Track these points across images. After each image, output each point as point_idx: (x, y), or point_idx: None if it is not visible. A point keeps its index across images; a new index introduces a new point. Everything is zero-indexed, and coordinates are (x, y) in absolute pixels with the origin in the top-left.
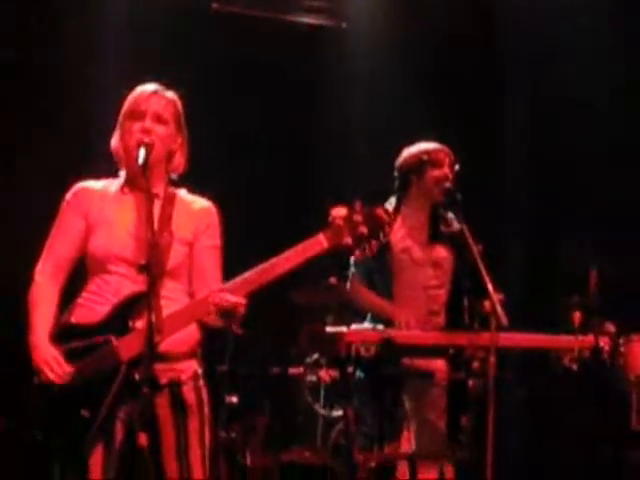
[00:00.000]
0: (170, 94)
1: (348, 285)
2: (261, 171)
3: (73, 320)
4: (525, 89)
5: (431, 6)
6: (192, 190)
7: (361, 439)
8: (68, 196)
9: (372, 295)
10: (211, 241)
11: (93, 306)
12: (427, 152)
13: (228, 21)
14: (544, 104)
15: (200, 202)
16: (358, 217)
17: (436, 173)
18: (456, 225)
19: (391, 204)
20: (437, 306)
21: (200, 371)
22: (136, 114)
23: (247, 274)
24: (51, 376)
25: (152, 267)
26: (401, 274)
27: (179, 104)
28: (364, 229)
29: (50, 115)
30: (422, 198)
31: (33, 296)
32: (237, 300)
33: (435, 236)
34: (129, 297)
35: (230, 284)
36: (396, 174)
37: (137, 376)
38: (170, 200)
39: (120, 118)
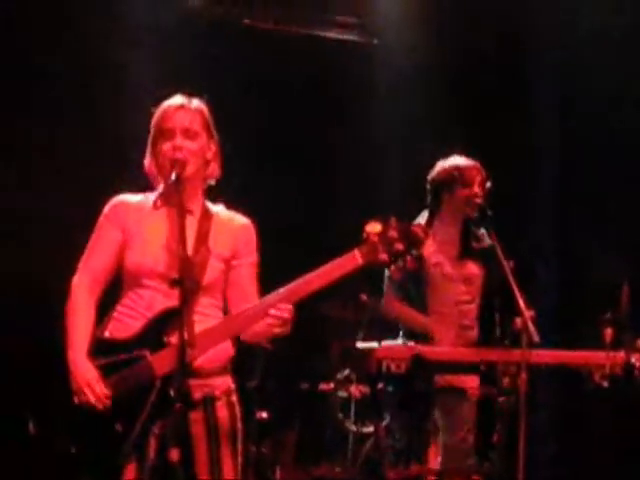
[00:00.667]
0: (196, 104)
1: (383, 299)
2: (291, 185)
3: (107, 335)
4: (554, 104)
5: (460, 22)
6: (229, 206)
7: (389, 453)
8: (106, 209)
9: (409, 309)
10: (249, 258)
11: (127, 320)
12: (458, 169)
13: (259, 36)
14: (574, 118)
15: (238, 219)
16: (394, 233)
17: (466, 192)
18: (487, 241)
19: (424, 218)
20: (468, 321)
21: (233, 386)
22: (165, 133)
23: (283, 289)
24: (92, 399)
25: (185, 282)
26: (433, 288)
27: (206, 112)
28: (400, 246)
29: (77, 122)
30: (454, 214)
31: (71, 309)
32: (291, 308)
33: (466, 252)
34: (163, 312)
35: (272, 298)
36: (428, 187)
37: (172, 391)
38: (207, 216)
39: (150, 138)
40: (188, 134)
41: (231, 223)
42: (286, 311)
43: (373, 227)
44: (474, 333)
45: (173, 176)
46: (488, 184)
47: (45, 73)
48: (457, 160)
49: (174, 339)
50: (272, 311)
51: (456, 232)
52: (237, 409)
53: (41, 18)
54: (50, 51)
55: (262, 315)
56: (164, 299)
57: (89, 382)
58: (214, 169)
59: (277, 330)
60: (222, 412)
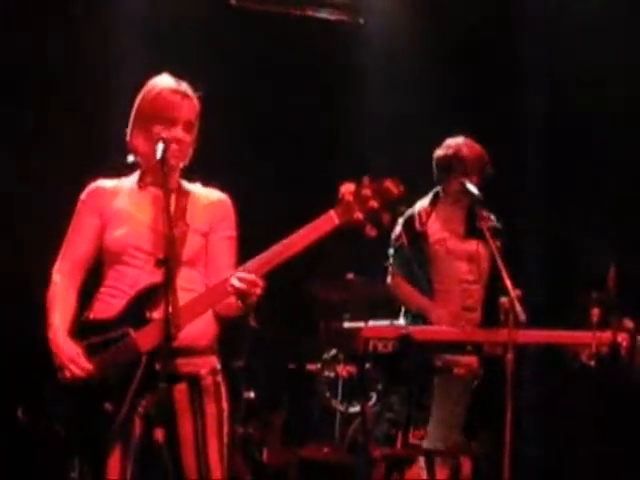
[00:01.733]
0: (191, 90)
1: (388, 277)
2: (279, 165)
3: (91, 315)
4: (545, 81)
5: (451, 3)
6: (206, 183)
7: (385, 426)
8: (83, 196)
9: (410, 289)
10: (227, 232)
11: (110, 300)
12: (457, 157)
13: (245, 16)
14: (564, 99)
15: (214, 194)
16: (367, 191)
17: (461, 181)
18: (494, 221)
19: (428, 197)
20: (472, 302)
21: (219, 366)
22: (168, 120)
23: (261, 255)
24: (77, 372)
25: (170, 261)
26: (436, 265)
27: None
28: (374, 203)
29: (65, 111)
30: (455, 194)
31: (51, 295)
32: (254, 278)
33: (471, 231)
34: (145, 288)
35: (245, 266)
36: (434, 165)
37: (158, 367)
38: (184, 193)
39: (141, 114)
40: (188, 126)
41: (207, 198)
42: (248, 282)
43: (347, 187)
44: (477, 315)
45: (158, 155)
46: (488, 170)
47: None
48: (460, 145)
49: (157, 314)
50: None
51: (461, 211)
52: (222, 389)
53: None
54: (37, 33)
55: (229, 290)
56: (148, 277)
57: (71, 357)
58: (190, 154)
59: (247, 303)
60: (208, 391)
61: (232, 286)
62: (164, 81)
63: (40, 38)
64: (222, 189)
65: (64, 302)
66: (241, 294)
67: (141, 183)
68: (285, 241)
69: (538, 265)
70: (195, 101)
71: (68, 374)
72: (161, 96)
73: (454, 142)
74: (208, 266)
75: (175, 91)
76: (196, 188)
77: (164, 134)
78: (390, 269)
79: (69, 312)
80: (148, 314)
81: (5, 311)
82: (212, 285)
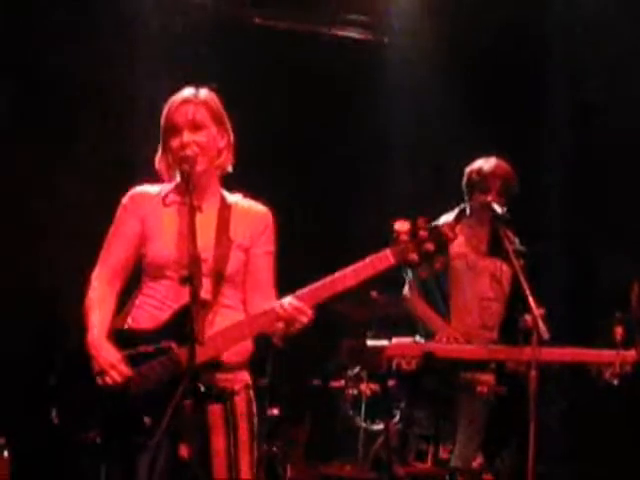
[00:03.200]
0: (203, 94)
1: (405, 291)
2: (303, 181)
3: (132, 324)
4: (568, 103)
5: (471, 19)
6: (247, 195)
7: (415, 442)
8: (125, 200)
9: (425, 307)
10: (266, 247)
11: (151, 310)
12: (479, 174)
13: (270, 34)
14: (587, 121)
15: (257, 207)
16: (424, 233)
17: (482, 198)
18: (517, 243)
19: (454, 212)
20: (491, 320)
21: (251, 382)
22: (172, 129)
23: (313, 286)
24: (117, 378)
25: (194, 279)
26: (456, 281)
27: (215, 101)
28: (430, 246)
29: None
30: (480, 212)
31: (90, 299)
32: (304, 307)
33: (495, 250)
34: (186, 305)
35: (297, 294)
36: (463, 182)
37: (202, 386)
38: (226, 206)
39: (161, 133)
40: (194, 127)
41: (250, 212)
42: (298, 309)
43: (402, 226)
44: (494, 334)
45: (178, 177)
46: (513, 190)
47: (59, 75)
48: (484, 163)
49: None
50: (284, 306)
51: (485, 229)
52: (254, 405)
53: (54, 18)
54: (62, 50)
55: (280, 317)
56: (181, 290)
57: (112, 363)
58: (227, 158)
59: (292, 329)
60: (241, 406)
61: (283, 310)
62: (176, 94)
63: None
64: (264, 202)
65: (103, 307)
66: (289, 321)
67: (169, 200)
68: (338, 274)
69: (561, 284)
70: (199, 102)
71: (108, 379)
72: (167, 109)
73: (482, 161)
74: (248, 281)
75: (176, 99)
76: (238, 200)
77: (179, 149)
78: (408, 281)
79: (108, 317)
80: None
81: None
82: (258, 312)
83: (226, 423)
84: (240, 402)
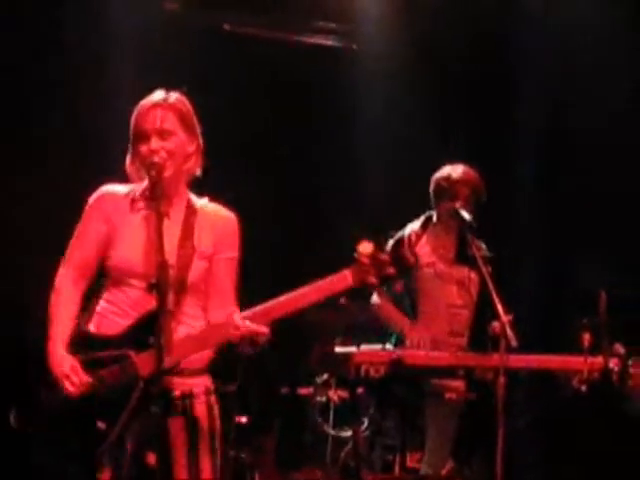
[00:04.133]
0: (173, 98)
1: (374, 296)
2: (271, 187)
3: (93, 330)
4: (539, 103)
5: (442, 26)
6: (213, 199)
7: (381, 452)
8: (92, 199)
9: (393, 311)
10: (229, 253)
11: (113, 317)
12: (448, 181)
13: (239, 42)
14: (559, 119)
15: (222, 212)
16: (385, 257)
17: (449, 206)
18: (484, 250)
19: (420, 220)
20: (459, 327)
21: (212, 387)
22: (141, 135)
23: (269, 303)
24: (70, 389)
25: (161, 286)
26: (424, 289)
27: (185, 104)
28: (391, 270)
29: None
30: (447, 220)
31: (54, 303)
32: (259, 328)
33: (462, 257)
34: (149, 313)
35: (251, 312)
36: (430, 190)
37: (154, 391)
38: (192, 211)
39: (130, 137)
40: (162, 134)
41: (215, 217)
42: (247, 329)
43: (365, 248)
44: (463, 340)
45: (146, 180)
46: (481, 198)
47: (33, 84)
48: (452, 170)
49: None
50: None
51: (452, 237)
52: (215, 409)
53: (31, 21)
54: (35, 57)
55: (233, 334)
56: (146, 298)
57: (65, 373)
58: (196, 163)
59: (249, 347)
60: (200, 410)
61: (237, 329)
62: (146, 98)
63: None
64: (230, 207)
65: (66, 313)
66: (245, 340)
67: (140, 204)
68: (295, 293)
69: (529, 291)
70: (168, 107)
71: (67, 386)
72: (137, 113)
73: (450, 168)
74: (208, 286)
75: (145, 104)
76: (204, 204)
77: (147, 155)
78: (376, 289)
79: (71, 323)
80: (151, 339)
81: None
82: (214, 324)
83: (186, 428)
84: (199, 406)
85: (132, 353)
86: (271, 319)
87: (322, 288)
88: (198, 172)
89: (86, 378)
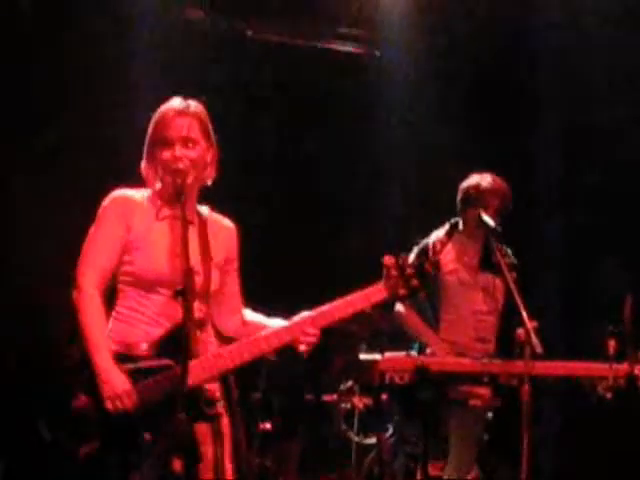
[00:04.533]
0: (194, 107)
1: (398, 306)
2: (290, 199)
3: (123, 339)
4: (559, 117)
5: (464, 32)
6: (213, 208)
7: (404, 460)
8: (109, 203)
9: (417, 320)
10: (236, 263)
11: (139, 325)
12: (477, 190)
13: (262, 48)
14: (577, 133)
15: (226, 223)
16: (410, 270)
17: (476, 213)
18: (511, 257)
19: (445, 228)
20: (486, 333)
21: (237, 393)
22: (164, 141)
23: (309, 314)
24: (129, 406)
25: (187, 293)
26: (448, 296)
27: (205, 114)
28: (416, 282)
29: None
30: (473, 227)
31: (87, 312)
32: (318, 333)
33: (487, 264)
34: (181, 323)
35: (306, 317)
36: (457, 197)
37: (202, 405)
38: (203, 221)
39: (147, 142)
40: (187, 143)
41: (222, 229)
42: (314, 336)
43: (390, 261)
44: (491, 346)
45: (158, 185)
46: (508, 208)
47: (47, 84)
48: (481, 180)
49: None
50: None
51: (477, 244)
52: (239, 414)
53: (44, 21)
54: (52, 58)
55: (295, 336)
56: (173, 306)
57: (128, 391)
58: (211, 172)
59: (301, 349)
60: (225, 416)
61: (305, 334)
62: (166, 105)
63: (58, 60)
64: (229, 216)
65: (102, 320)
66: (300, 342)
67: (162, 214)
68: (334, 304)
69: (555, 297)
70: (192, 116)
71: (119, 406)
72: (156, 120)
73: (478, 176)
74: (220, 298)
75: (169, 111)
76: (209, 213)
77: (171, 162)
78: None
79: (106, 331)
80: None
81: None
82: (259, 337)
83: (211, 433)
84: (223, 411)
85: (173, 363)
86: (321, 327)
87: (360, 300)
88: (210, 182)
89: (137, 400)
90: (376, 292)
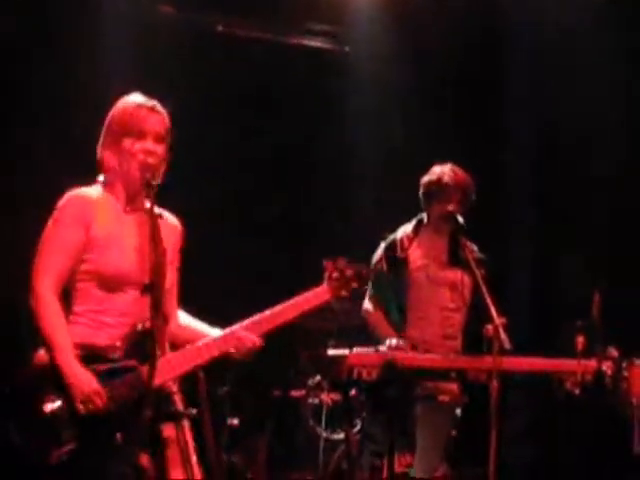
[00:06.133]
0: (159, 106)
1: (365, 301)
2: (258, 189)
3: (87, 341)
4: (530, 107)
5: (435, 29)
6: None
7: (368, 457)
8: (65, 204)
9: (380, 318)
10: (177, 262)
11: (102, 327)
12: (438, 184)
13: (233, 43)
14: (548, 123)
15: (172, 219)
16: (350, 272)
17: (441, 208)
18: (477, 252)
19: (411, 224)
20: (452, 330)
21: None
22: (137, 133)
23: (257, 317)
24: (101, 406)
25: (156, 287)
26: (416, 292)
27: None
28: (355, 284)
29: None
30: (438, 222)
31: (46, 314)
32: (253, 337)
33: (454, 259)
34: (151, 326)
35: (244, 324)
36: (420, 192)
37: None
38: (154, 215)
39: (111, 131)
40: (158, 138)
41: (170, 224)
42: (251, 341)
43: (331, 266)
44: (457, 343)
45: (141, 183)
46: (472, 199)
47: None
48: (442, 173)
49: (160, 352)
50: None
51: (444, 239)
52: (206, 411)
53: (21, 23)
54: (26, 59)
55: (231, 344)
56: (135, 305)
57: (96, 390)
58: (164, 170)
59: (237, 357)
60: (180, 405)
61: (238, 339)
62: (131, 98)
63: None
64: (171, 211)
65: (61, 322)
66: (240, 349)
67: (126, 207)
68: (278, 308)
69: (523, 293)
70: (164, 116)
71: (90, 407)
72: (127, 111)
73: (439, 169)
74: (167, 297)
75: (141, 105)
76: (157, 209)
77: (141, 154)
78: (368, 293)
79: (68, 334)
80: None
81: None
82: (202, 343)
83: (177, 430)
84: (179, 402)
85: (137, 364)
86: (263, 331)
87: (304, 303)
88: (159, 180)
89: (106, 398)
90: (320, 294)
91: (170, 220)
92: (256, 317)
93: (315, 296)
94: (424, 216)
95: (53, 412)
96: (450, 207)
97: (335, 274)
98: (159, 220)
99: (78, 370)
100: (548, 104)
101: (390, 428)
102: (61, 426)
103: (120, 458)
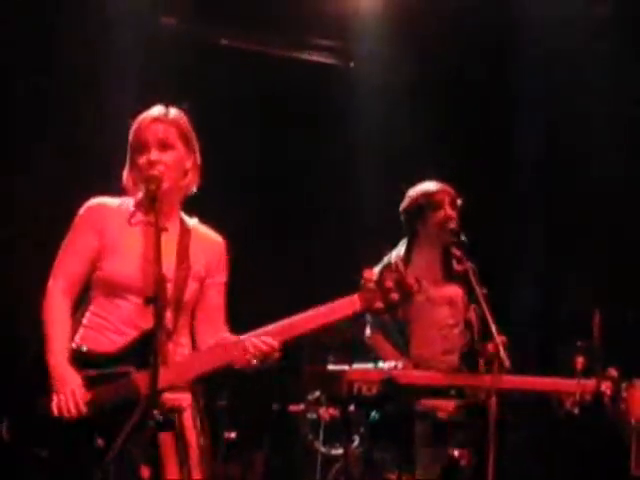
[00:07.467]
0: (173, 114)
1: (367, 329)
2: (264, 206)
3: (85, 345)
4: (536, 123)
5: (439, 44)
6: (203, 221)
7: (371, 471)
8: (82, 211)
9: (387, 347)
10: (220, 277)
11: (105, 332)
12: (425, 195)
13: (237, 57)
14: (555, 140)
15: (213, 236)
16: (390, 283)
17: (438, 216)
18: (468, 263)
19: (403, 247)
20: (451, 345)
21: (202, 402)
22: (140, 146)
23: (281, 324)
24: (72, 406)
25: (158, 300)
26: (416, 314)
27: (184, 120)
28: (395, 296)
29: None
30: (430, 239)
31: (50, 316)
32: (275, 344)
33: (448, 274)
34: (149, 331)
35: (263, 330)
36: (402, 218)
37: (156, 413)
38: (186, 230)
39: (128, 151)
40: (162, 146)
41: (207, 240)
42: (269, 346)
43: (370, 274)
44: (455, 358)
45: (141, 194)
46: (459, 202)
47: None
48: (424, 186)
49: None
50: (255, 341)
51: (436, 256)
52: (205, 424)
53: (24, 35)
54: (30, 68)
55: (236, 354)
56: (140, 314)
57: (74, 390)
58: (192, 180)
59: (254, 363)
60: (188, 423)
61: (254, 346)
62: (146, 112)
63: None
64: (218, 230)
65: (64, 327)
66: (257, 356)
67: (136, 218)
68: (305, 315)
69: (524, 312)
70: (169, 121)
71: (62, 405)
72: (134, 127)
73: (415, 189)
74: (200, 311)
75: (145, 118)
76: (196, 225)
77: (146, 167)
78: (368, 321)
79: (68, 336)
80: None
81: None
82: (226, 343)
83: (176, 442)
84: (187, 419)
85: (132, 370)
86: (283, 339)
87: (331, 312)
88: (193, 189)
89: (87, 397)
90: (349, 303)
91: (211, 237)
92: (278, 324)
93: (344, 305)
94: (410, 238)
95: (42, 411)
96: (447, 209)
97: (370, 284)
98: (193, 235)
99: (63, 369)
100: (558, 121)
101: (392, 443)
102: (48, 426)
103: (101, 465)
